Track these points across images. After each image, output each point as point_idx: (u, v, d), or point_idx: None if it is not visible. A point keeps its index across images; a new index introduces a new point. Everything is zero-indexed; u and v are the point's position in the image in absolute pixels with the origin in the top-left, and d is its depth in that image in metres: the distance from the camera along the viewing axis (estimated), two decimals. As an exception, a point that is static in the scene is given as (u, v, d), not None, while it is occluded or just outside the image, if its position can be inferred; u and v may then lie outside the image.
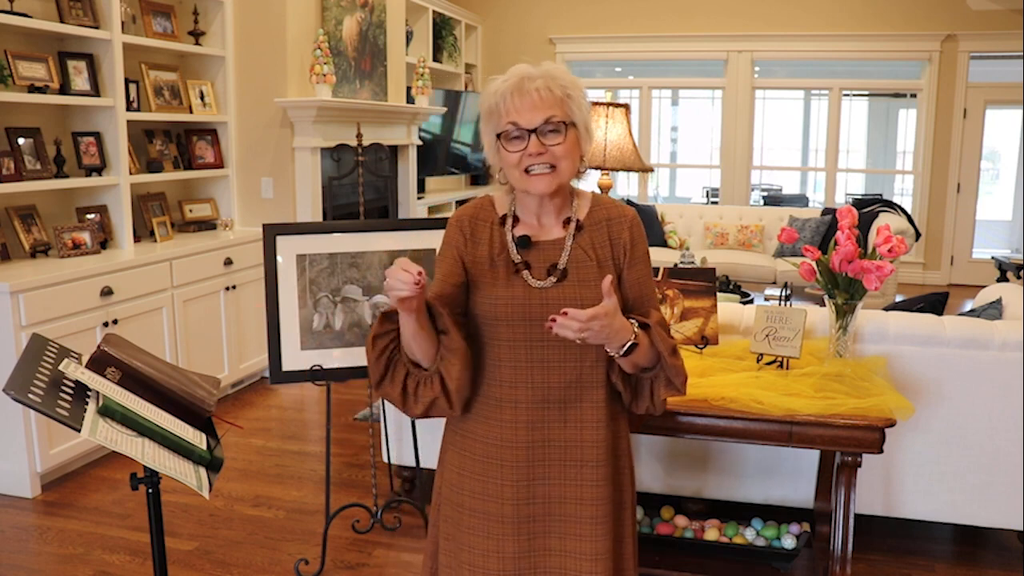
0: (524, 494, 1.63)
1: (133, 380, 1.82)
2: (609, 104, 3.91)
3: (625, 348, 1.54)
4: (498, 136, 1.58)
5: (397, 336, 1.59)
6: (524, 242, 1.63)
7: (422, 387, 1.61)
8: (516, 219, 1.67)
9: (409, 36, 6.83)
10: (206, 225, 4.92)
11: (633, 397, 1.69)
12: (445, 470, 1.73)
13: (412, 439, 3.16)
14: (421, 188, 7.06)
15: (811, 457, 2.94)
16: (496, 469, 1.63)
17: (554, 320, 1.46)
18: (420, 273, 1.42)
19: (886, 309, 3.22)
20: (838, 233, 2.47)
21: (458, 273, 1.64)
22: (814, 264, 2.52)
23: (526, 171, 1.56)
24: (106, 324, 3.69)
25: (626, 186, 9.35)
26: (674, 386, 1.65)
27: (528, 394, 1.61)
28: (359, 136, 3.52)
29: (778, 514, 2.98)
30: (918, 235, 7.04)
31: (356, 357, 2.76)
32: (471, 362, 1.60)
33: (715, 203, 9.30)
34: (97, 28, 4.00)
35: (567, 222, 1.66)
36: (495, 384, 1.63)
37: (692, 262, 5.50)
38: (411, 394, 1.61)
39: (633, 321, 1.58)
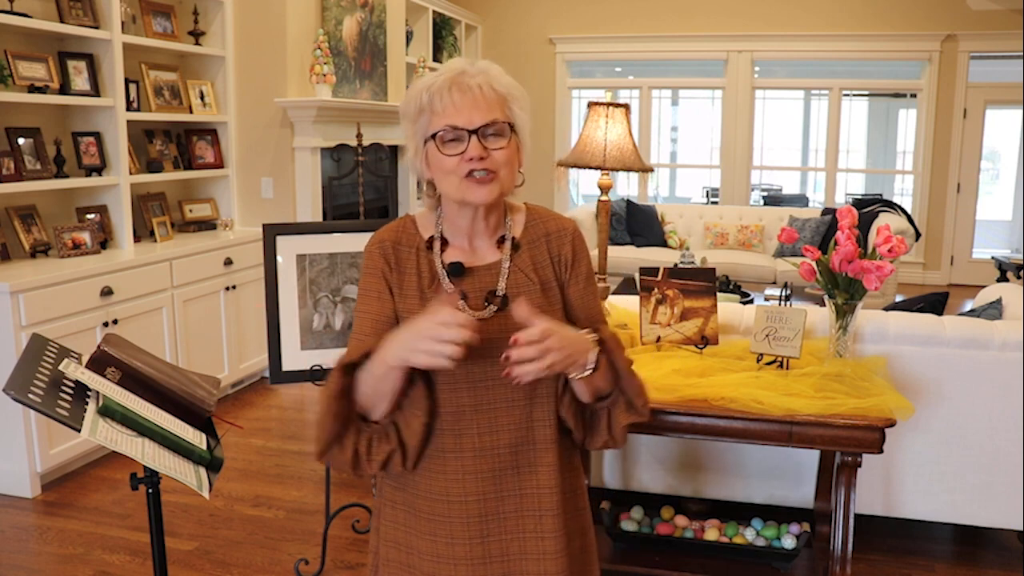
0: (479, 553, 1.44)
1: (133, 380, 1.82)
2: (609, 104, 3.90)
3: (593, 362, 1.38)
4: (431, 137, 1.38)
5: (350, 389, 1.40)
6: (457, 269, 1.43)
7: (376, 444, 1.42)
8: (444, 242, 1.47)
9: (409, 36, 6.83)
10: (206, 225, 4.92)
11: (587, 432, 1.50)
12: (383, 527, 1.53)
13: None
14: (421, 188, 7.04)
15: (811, 457, 2.94)
16: (444, 527, 1.44)
17: (508, 359, 1.27)
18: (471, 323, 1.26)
19: (886, 309, 3.22)
20: (838, 233, 2.47)
21: (390, 308, 1.44)
22: (814, 264, 2.52)
23: (465, 177, 1.37)
24: (106, 324, 3.69)
25: (626, 186, 9.35)
26: (635, 408, 1.47)
27: (474, 442, 1.42)
28: (359, 136, 3.52)
29: (778, 514, 2.98)
30: (918, 235, 7.04)
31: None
32: (432, 415, 1.42)
33: (715, 203, 9.30)
34: (97, 28, 4.00)
35: (501, 242, 1.47)
36: (437, 433, 1.43)
37: (692, 262, 5.50)
38: (363, 456, 1.41)
39: (584, 331, 1.42)
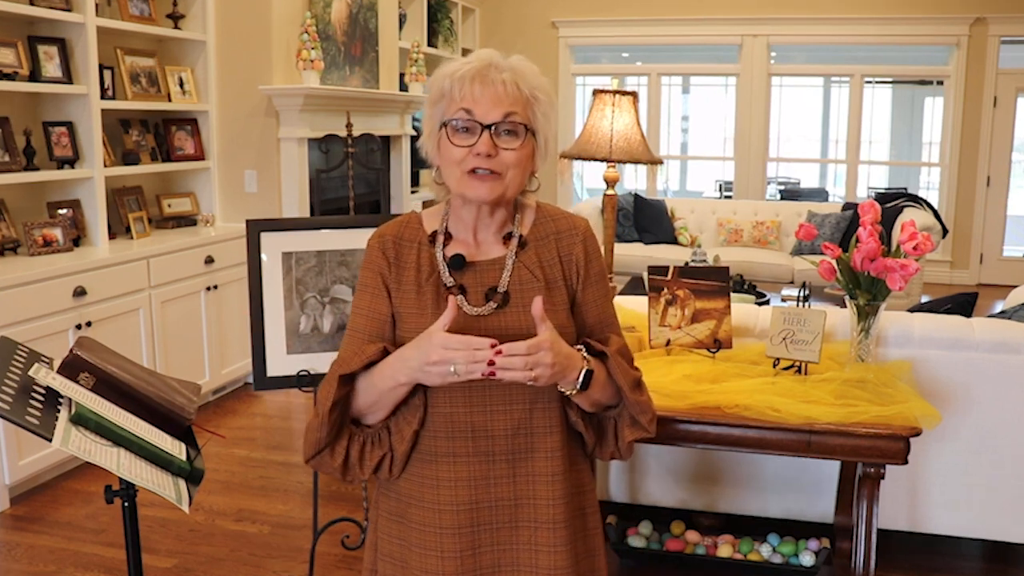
0: (470, 566, 1.46)
1: (108, 386, 1.82)
2: (616, 92, 3.91)
3: (580, 380, 1.41)
4: (443, 125, 1.43)
5: (347, 397, 1.46)
6: (457, 262, 1.47)
7: (368, 449, 1.47)
8: (448, 236, 1.51)
9: (402, 19, 6.83)
10: (186, 221, 4.92)
11: (597, 441, 1.54)
12: (380, 542, 1.56)
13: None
14: (415, 181, 7.06)
15: (831, 469, 2.94)
16: (435, 538, 1.46)
17: (492, 364, 1.31)
18: (494, 344, 1.31)
19: (911, 310, 3.22)
20: (860, 229, 2.47)
21: (385, 305, 1.49)
22: (834, 262, 2.52)
23: (468, 172, 1.42)
24: (79, 326, 3.69)
25: (634, 179, 9.36)
26: (640, 425, 1.50)
27: (468, 446, 1.45)
28: (349, 126, 3.53)
29: (796, 529, 2.98)
30: (945, 231, 7.04)
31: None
32: (423, 424, 1.47)
33: (728, 197, 9.31)
34: (69, 11, 3.99)
35: (508, 238, 1.50)
36: (428, 436, 1.46)
37: (704, 260, 5.50)
38: (355, 463, 1.46)
39: (580, 347, 1.45)
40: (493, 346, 1.31)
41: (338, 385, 1.42)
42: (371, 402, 1.44)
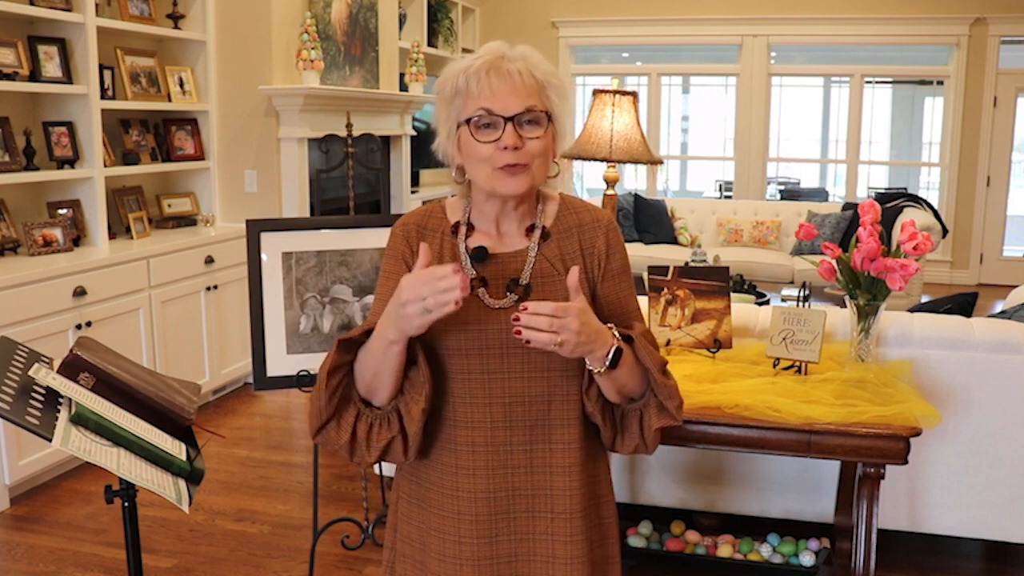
0: (487, 553, 1.48)
1: (108, 386, 1.82)
2: (616, 92, 3.91)
3: (610, 357, 1.40)
4: (465, 123, 1.42)
5: (351, 369, 1.45)
6: (480, 254, 1.48)
7: (376, 429, 1.45)
8: (471, 227, 1.52)
9: (402, 19, 6.83)
10: (186, 221, 4.92)
11: (617, 433, 1.53)
12: (400, 523, 1.59)
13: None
14: (415, 181, 7.05)
15: (831, 469, 2.95)
16: (453, 524, 1.49)
17: (518, 319, 1.31)
18: (458, 270, 1.29)
19: (911, 310, 3.22)
20: (860, 229, 2.47)
21: None
22: (834, 262, 2.52)
23: (497, 168, 1.42)
24: (79, 326, 3.69)
25: (634, 179, 9.36)
26: (667, 411, 1.49)
27: (487, 436, 1.46)
28: (349, 126, 3.53)
29: (796, 529, 2.98)
30: (945, 231, 7.04)
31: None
32: (432, 401, 1.46)
33: (729, 197, 9.31)
34: (69, 11, 3.99)
35: (531, 230, 1.51)
36: (448, 424, 1.48)
37: (704, 260, 5.50)
38: (362, 441, 1.45)
39: (611, 325, 1.44)
40: (524, 309, 1.31)
41: (336, 349, 1.41)
42: (372, 371, 1.41)
